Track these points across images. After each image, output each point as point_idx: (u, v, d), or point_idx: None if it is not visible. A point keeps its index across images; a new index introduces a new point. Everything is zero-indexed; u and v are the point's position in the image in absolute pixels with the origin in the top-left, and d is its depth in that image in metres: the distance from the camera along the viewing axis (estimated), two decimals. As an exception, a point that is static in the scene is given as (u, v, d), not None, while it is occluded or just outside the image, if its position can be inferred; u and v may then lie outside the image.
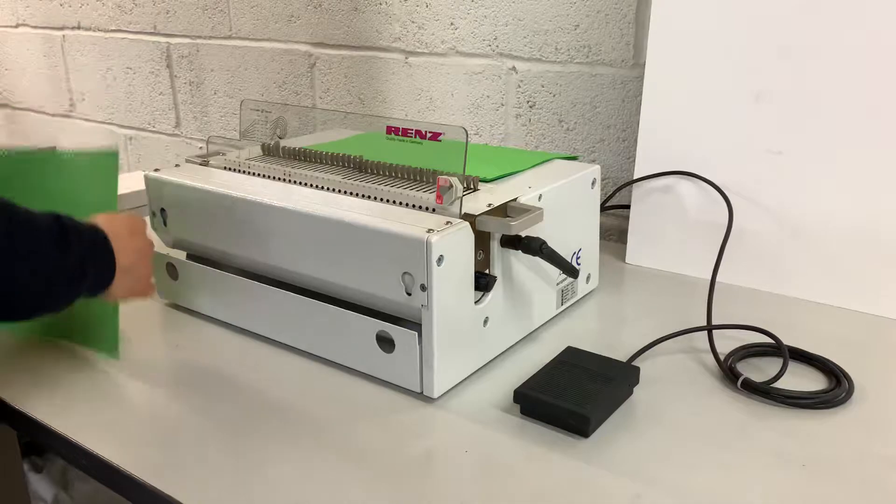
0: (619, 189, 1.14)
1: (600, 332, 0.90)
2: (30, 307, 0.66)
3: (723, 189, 1.00)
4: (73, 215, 0.70)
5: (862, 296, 0.92)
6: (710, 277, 0.92)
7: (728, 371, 0.78)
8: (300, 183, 0.86)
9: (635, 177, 1.08)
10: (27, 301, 0.65)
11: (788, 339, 0.81)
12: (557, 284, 0.91)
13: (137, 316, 0.95)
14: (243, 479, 0.65)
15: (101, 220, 0.74)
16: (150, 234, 0.84)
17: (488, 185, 0.86)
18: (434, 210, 0.76)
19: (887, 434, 0.69)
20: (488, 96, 1.30)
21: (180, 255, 0.96)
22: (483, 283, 0.77)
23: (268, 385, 0.79)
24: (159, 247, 0.97)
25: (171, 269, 0.95)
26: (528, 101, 1.27)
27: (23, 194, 0.68)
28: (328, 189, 0.84)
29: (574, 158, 0.99)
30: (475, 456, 0.67)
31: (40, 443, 0.78)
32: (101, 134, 2.01)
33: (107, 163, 0.84)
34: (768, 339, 0.82)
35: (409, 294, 0.72)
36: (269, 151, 0.98)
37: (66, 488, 1.16)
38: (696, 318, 0.89)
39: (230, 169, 0.94)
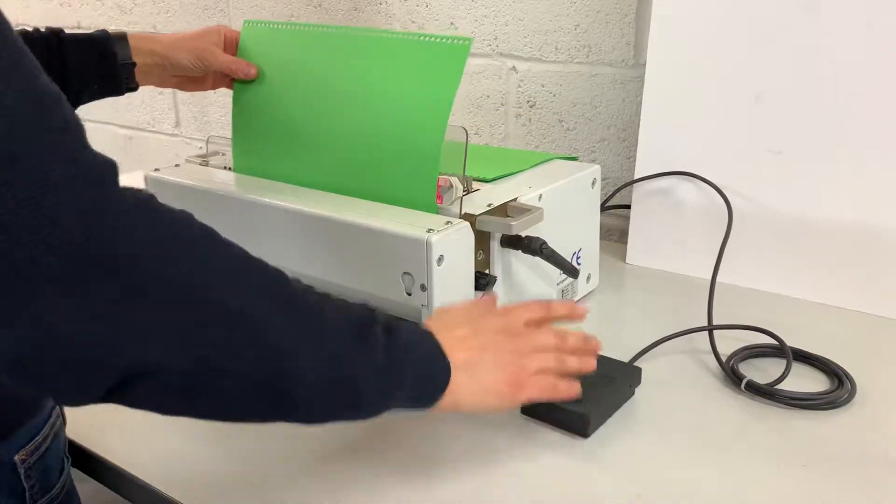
0: (619, 189, 1.14)
1: (600, 332, 0.89)
2: (322, 414, 0.52)
3: (723, 189, 1.00)
4: (399, 108, 0.59)
5: (863, 296, 0.92)
6: (710, 277, 0.91)
7: (730, 372, 0.78)
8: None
9: (636, 177, 1.07)
10: (306, 392, 0.49)
11: (789, 340, 0.81)
12: (557, 284, 0.90)
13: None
14: (243, 479, 0.65)
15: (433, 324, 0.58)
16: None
17: (488, 185, 0.85)
18: (434, 210, 0.76)
19: (890, 435, 0.69)
20: (488, 96, 1.30)
21: (180, 255, 0.96)
22: (483, 283, 0.77)
23: (267, 385, 0.79)
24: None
25: (171, 269, 0.94)
26: (528, 101, 1.26)
27: (349, 75, 0.61)
28: (328, 189, 0.84)
29: (574, 159, 0.99)
30: (475, 456, 0.67)
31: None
32: (100, 133, 2.01)
33: (456, 54, 0.74)
34: (769, 340, 0.82)
35: (409, 294, 0.72)
36: (269, 151, 0.98)
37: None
38: (697, 319, 0.89)
39: (230, 169, 0.94)
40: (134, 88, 0.84)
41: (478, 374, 0.57)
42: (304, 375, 0.47)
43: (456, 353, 0.56)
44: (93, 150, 0.41)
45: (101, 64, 0.81)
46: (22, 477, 0.59)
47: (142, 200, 0.43)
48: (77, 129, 0.40)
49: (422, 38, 0.78)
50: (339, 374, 0.49)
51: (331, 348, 0.49)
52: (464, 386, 0.56)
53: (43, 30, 0.79)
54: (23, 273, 0.37)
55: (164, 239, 0.42)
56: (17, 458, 0.59)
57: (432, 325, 0.58)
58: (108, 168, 0.41)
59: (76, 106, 0.79)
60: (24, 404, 0.59)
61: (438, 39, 0.77)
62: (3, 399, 0.59)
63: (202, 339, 0.43)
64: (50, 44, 0.78)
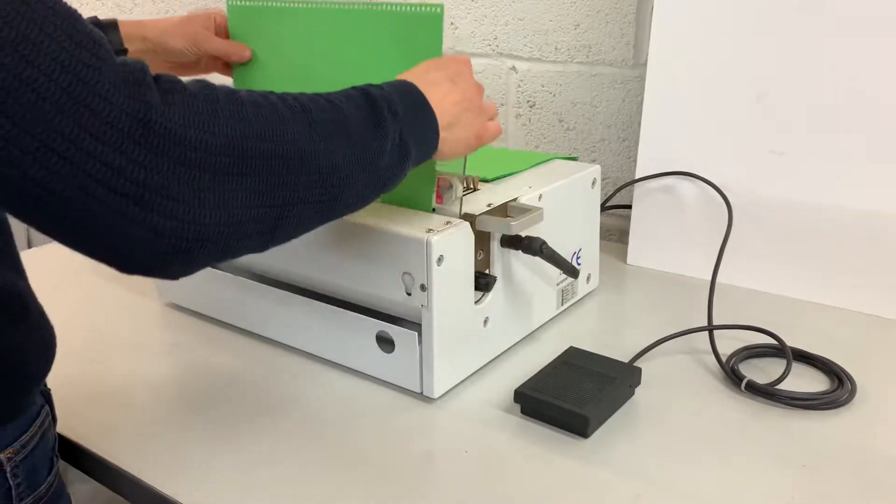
0: (619, 189, 1.14)
1: (600, 332, 0.90)
2: (355, 201, 0.59)
3: (723, 189, 1.00)
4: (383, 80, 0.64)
5: (863, 296, 0.92)
6: (710, 277, 0.91)
7: (730, 372, 0.78)
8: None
9: (637, 177, 1.07)
10: (349, 196, 0.58)
11: (789, 340, 0.81)
12: (557, 284, 0.90)
13: (138, 316, 0.95)
14: (243, 479, 0.65)
15: (414, 75, 0.66)
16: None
17: (488, 185, 0.85)
18: (434, 210, 0.76)
19: (890, 435, 0.69)
20: (488, 96, 1.30)
21: (180, 255, 0.96)
22: (483, 283, 0.77)
23: (268, 385, 0.79)
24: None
25: (171, 269, 0.95)
26: (528, 101, 1.26)
27: (334, 51, 0.62)
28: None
29: (574, 159, 0.99)
30: (475, 456, 0.67)
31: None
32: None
33: (430, 23, 0.75)
34: (769, 340, 0.82)
35: (409, 294, 0.72)
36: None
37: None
38: (697, 319, 0.89)
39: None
40: None
41: (456, 131, 0.67)
42: (350, 184, 0.57)
43: (442, 116, 0.65)
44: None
45: None
46: (8, 475, 0.59)
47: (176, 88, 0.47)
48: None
49: (394, 7, 0.77)
50: (373, 170, 0.58)
51: (363, 155, 0.57)
52: (444, 143, 0.66)
53: None
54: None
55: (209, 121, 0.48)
56: (2, 455, 0.59)
57: (421, 79, 0.65)
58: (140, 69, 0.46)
59: None
60: (11, 402, 0.59)
61: (411, 9, 0.77)
62: None
63: (274, 189, 0.51)
64: None
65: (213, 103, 0.48)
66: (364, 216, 0.75)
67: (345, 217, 0.75)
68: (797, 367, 0.79)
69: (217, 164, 0.47)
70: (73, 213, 0.44)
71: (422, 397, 0.76)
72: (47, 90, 0.41)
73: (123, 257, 0.47)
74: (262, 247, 0.54)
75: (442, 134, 0.65)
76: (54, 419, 0.68)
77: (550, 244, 0.79)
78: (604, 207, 1.14)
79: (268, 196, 0.51)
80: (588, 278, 0.97)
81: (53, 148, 0.42)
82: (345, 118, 0.57)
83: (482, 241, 0.77)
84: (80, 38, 0.44)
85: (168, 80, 0.47)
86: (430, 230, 0.70)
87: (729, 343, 0.83)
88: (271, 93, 0.54)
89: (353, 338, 0.79)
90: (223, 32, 0.88)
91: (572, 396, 0.70)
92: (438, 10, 0.74)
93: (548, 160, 0.96)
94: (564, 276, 0.90)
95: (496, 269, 0.79)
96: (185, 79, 0.49)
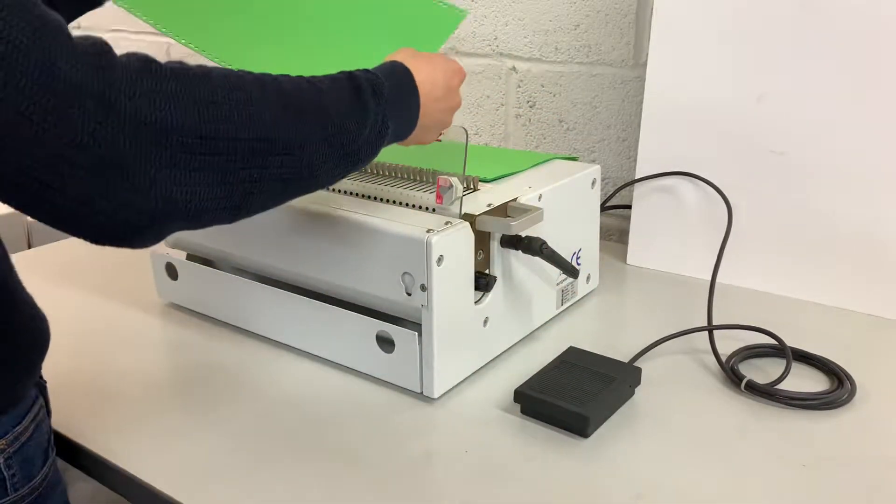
0: (619, 189, 1.14)
1: (600, 332, 0.90)
2: (326, 179, 0.61)
3: (723, 189, 1.00)
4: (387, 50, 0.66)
5: (863, 296, 0.92)
6: (710, 277, 0.91)
7: (730, 372, 0.78)
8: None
9: (637, 177, 1.07)
10: (320, 174, 0.59)
11: (789, 340, 0.81)
12: (557, 284, 0.90)
13: (137, 316, 0.95)
14: (243, 479, 0.65)
15: (417, 65, 0.67)
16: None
17: (488, 185, 0.85)
18: (434, 210, 0.76)
19: (890, 435, 0.69)
20: (488, 96, 1.30)
21: (180, 255, 0.96)
22: (483, 283, 0.77)
23: (267, 385, 0.79)
24: (159, 247, 0.98)
25: (171, 269, 0.95)
26: (528, 101, 1.26)
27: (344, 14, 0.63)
28: (328, 189, 0.84)
29: (574, 159, 0.99)
30: (475, 456, 0.67)
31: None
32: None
33: (449, 19, 0.76)
34: (769, 340, 0.82)
35: (409, 294, 0.72)
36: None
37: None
38: (697, 319, 0.89)
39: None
40: None
41: (430, 130, 0.71)
42: (323, 165, 0.58)
43: (424, 118, 0.68)
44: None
45: None
46: (1, 465, 0.60)
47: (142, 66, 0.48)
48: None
49: None
50: (348, 151, 0.60)
51: (339, 136, 0.58)
52: (416, 137, 0.69)
53: None
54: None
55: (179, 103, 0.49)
56: None
57: (421, 74, 0.67)
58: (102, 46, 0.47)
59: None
60: (3, 394, 0.60)
61: (439, 2, 0.77)
62: None
63: (237, 170, 0.52)
64: None
65: (181, 83, 0.49)
66: (364, 216, 0.75)
67: (345, 217, 0.76)
68: (797, 367, 0.79)
69: (182, 143, 0.48)
70: (40, 189, 0.46)
71: (422, 397, 0.76)
72: (10, 75, 0.42)
73: (93, 229, 0.49)
74: (230, 219, 0.55)
75: (421, 121, 0.67)
76: (49, 412, 0.68)
77: (550, 244, 0.79)
78: (604, 207, 1.14)
79: (234, 174, 0.52)
80: (588, 278, 0.97)
81: (19, 129, 0.43)
82: (323, 100, 0.57)
83: (482, 241, 0.77)
84: (37, 21, 0.44)
85: (136, 59, 0.48)
86: (430, 230, 0.70)
87: (729, 343, 0.83)
88: (247, 73, 0.55)
89: (353, 338, 0.79)
90: None
91: (572, 396, 0.70)
92: (463, 13, 0.76)
93: (548, 160, 0.96)
94: (564, 276, 0.90)
95: (496, 269, 0.79)
96: (160, 58, 0.50)
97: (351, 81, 0.61)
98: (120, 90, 0.46)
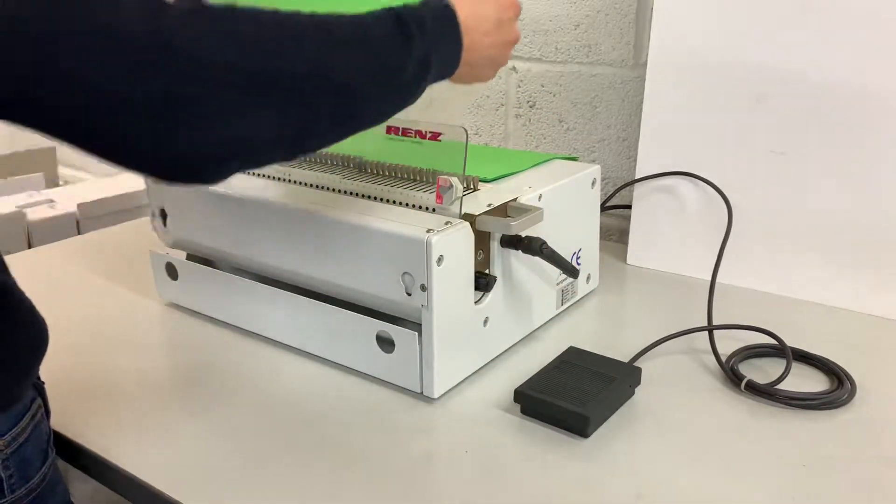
0: (619, 189, 1.14)
1: (600, 332, 0.90)
2: (375, 117, 0.61)
3: (723, 189, 1.00)
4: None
5: (863, 296, 0.92)
6: (710, 277, 0.91)
7: (730, 372, 0.78)
8: (300, 183, 0.86)
9: (637, 177, 1.08)
10: (370, 112, 0.60)
11: (789, 340, 0.81)
12: (557, 284, 0.90)
13: (138, 315, 0.95)
14: (243, 479, 0.65)
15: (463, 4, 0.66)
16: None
17: (488, 185, 0.85)
18: (434, 210, 0.76)
19: (890, 435, 0.69)
20: (488, 96, 1.30)
21: (180, 255, 0.96)
22: (483, 283, 0.77)
23: (268, 385, 0.79)
24: (159, 247, 0.98)
25: (171, 269, 0.95)
26: (528, 101, 1.26)
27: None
28: (328, 189, 0.84)
29: (574, 159, 0.99)
30: (475, 456, 0.67)
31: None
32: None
33: None
34: (769, 340, 0.82)
35: (409, 294, 0.72)
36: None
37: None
38: (697, 319, 0.89)
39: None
40: None
41: (481, 67, 0.69)
42: (372, 101, 0.59)
43: (472, 52, 0.66)
44: None
45: None
46: None
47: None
48: None
49: None
50: (395, 87, 0.60)
51: (384, 72, 0.58)
52: (462, 75, 0.68)
53: None
54: None
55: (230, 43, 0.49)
56: None
57: (466, 8, 0.65)
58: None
59: None
60: (1, 395, 0.60)
61: None
62: None
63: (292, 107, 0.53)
64: None
65: (233, 23, 0.50)
66: (364, 216, 0.75)
67: (345, 217, 0.76)
68: (797, 367, 0.79)
69: (237, 82, 0.49)
70: (107, 131, 0.47)
71: (422, 397, 0.76)
72: (70, 22, 0.44)
73: (153, 166, 0.50)
74: (287, 157, 0.57)
75: (467, 57, 0.66)
76: (48, 412, 0.68)
77: (550, 244, 0.79)
78: (604, 207, 1.14)
79: (288, 115, 0.52)
80: (588, 278, 0.97)
81: (83, 74, 0.44)
82: (367, 36, 0.57)
83: (482, 241, 0.77)
84: None
85: (187, 3, 0.49)
86: (430, 230, 0.70)
87: (729, 343, 0.83)
88: (295, 12, 0.55)
89: (353, 338, 0.79)
90: None
91: (572, 396, 0.71)
92: None
93: (548, 160, 0.96)
94: (564, 276, 0.90)
95: (496, 269, 0.79)
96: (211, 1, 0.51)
97: (394, 17, 0.60)
98: (173, 30, 0.46)
